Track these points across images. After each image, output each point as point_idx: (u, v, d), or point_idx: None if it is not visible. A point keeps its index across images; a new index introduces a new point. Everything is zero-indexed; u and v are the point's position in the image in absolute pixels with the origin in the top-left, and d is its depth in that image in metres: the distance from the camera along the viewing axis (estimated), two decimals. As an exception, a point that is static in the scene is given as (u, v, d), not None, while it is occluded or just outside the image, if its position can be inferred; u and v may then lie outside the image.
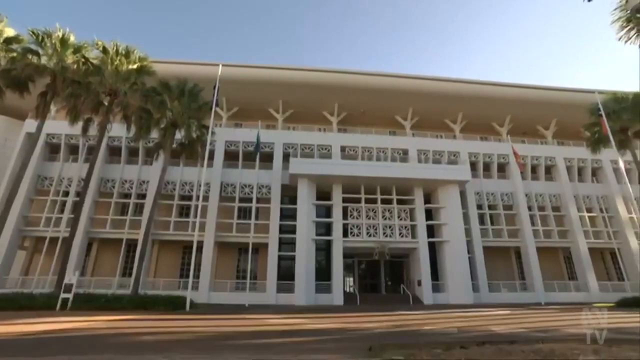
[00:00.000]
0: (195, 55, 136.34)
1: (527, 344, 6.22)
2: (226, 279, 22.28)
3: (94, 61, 17.56)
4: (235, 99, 27.19)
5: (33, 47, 16.43)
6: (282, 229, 22.74)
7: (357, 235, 22.74)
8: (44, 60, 16.53)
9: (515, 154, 24.41)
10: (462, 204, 23.95)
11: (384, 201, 23.64)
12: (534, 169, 27.63)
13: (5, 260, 20.74)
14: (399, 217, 23.43)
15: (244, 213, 23.59)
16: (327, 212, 23.60)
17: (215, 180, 23.43)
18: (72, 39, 16.87)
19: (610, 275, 26.26)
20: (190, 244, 17.20)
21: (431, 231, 23.59)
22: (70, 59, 16.83)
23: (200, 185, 20.61)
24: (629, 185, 20.75)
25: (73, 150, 24.49)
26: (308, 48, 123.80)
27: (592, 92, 24.17)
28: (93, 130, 18.60)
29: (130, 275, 20.16)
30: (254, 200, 22.44)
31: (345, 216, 23.06)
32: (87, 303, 13.91)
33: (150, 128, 19.30)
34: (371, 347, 5.92)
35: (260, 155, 22.50)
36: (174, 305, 15.00)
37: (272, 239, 22.21)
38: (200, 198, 18.65)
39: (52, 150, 24.57)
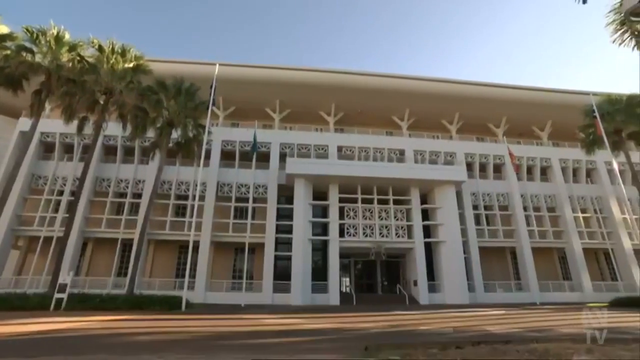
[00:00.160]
0: (192, 54, 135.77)
1: (522, 343, 6.26)
2: (222, 279, 22.21)
3: (90, 59, 17.40)
4: (232, 99, 27.11)
5: (27, 44, 16.24)
6: (278, 229, 22.71)
7: (354, 236, 22.77)
8: (38, 58, 16.35)
9: (510, 154, 24.58)
10: (458, 204, 24.06)
11: (380, 201, 23.69)
12: (529, 170, 27.82)
13: (-1, 259, 20.50)
14: (395, 217, 23.49)
15: (241, 213, 23.53)
16: (323, 212, 23.60)
17: (212, 179, 23.35)
18: (67, 36, 16.71)
19: (604, 276, 26.50)
20: (187, 244, 17.15)
21: (427, 231, 23.67)
22: (65, 57, 16.67)
23: (196, 185, 20.54)
24: (622, 186, 20.96)
25: (68, 149, 24.28)
26: (306, 47, 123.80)
27: (586, 93, 24.39)
28: (88, 129, 18.48)
29: (125, 275, 20.04)
30: (251, 200, 22.41)
31: (341, 216, 23.08)
32: (82, 303, 13.80)
33: (146, 127, 19.18)
34: (367, 347, 5.93)
35: (257, 155, 22.45)
36: (170, 305, 14.92)
37: (269, 238, 22.18)
38: (197, 197, 18.59)
39: (47, 149, 24.35)
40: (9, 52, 15.97)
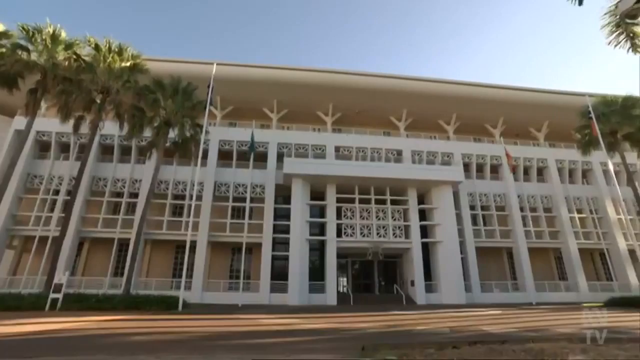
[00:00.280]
0: (189, 53, 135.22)
1: (518, 343, 6.29)
2: (219, 279, 22.16)
3: (86, 58, 17.32)
4: (229, 98, 27.05)
5: (23, 42, 16.13)
6: (275, 229, 22.69)
7: (351, 236, 22.78)
8: (34, 56, 16.23)
9: (507, 155, 24.70)
10: (455, 204, 24.14)
11: (377, 201, 23.72)
12: (526, 171, 27.97)
13: (-7, 259, 20.35)
14: (392, 217, 23.53)
15: (238, 213, 23.48)
16: (321, 212, 23.60)
17: (209, 179, 23.29)
18: (63, 35, 16.62)
19: (599, 276, 26.68)
20: (183, 244, 17.07)
21: (424, 231, 23.73)
22: (61, 55, 16.56)
23: (193, 185, 20.47)
24: (617, 187, 21.12)
25: (64, 148, 24.13)
26: (304, 47, 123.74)
27: (582, 95, 24.56)
28: (84, 129, 18.35)
29: (122, 275, 19.93)
30: (248, 200, 22.37)
31: (339, 216, 23.09)
32: (78, 303, 13.71)
33: (143, 126, 19.11)
34: (364, 347, 5.93)
35: (254, 155, 22.41)
36: (167, 305, 14.87)
37: (266, 238, 22.15)
38: (194, 197, 18.51)
39: (42, 148, 24.18)
40: (4, 50, 15.83)
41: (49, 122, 22.86)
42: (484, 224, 25.52)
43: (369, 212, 23.46)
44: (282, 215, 23.33)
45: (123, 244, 21.95)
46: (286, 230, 22.30)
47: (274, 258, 22.11)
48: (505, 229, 25.63)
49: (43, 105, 21.18)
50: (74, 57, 16.94)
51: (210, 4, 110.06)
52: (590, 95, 23.32)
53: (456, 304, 20.39)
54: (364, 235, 22.87)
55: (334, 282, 21.59)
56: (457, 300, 21.18)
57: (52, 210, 22.11)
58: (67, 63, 16.78)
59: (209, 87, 18.90)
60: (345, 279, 25.65)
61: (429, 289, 22.28)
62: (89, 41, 17.29)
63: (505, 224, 25.91)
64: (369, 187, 23.62)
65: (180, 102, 19.09)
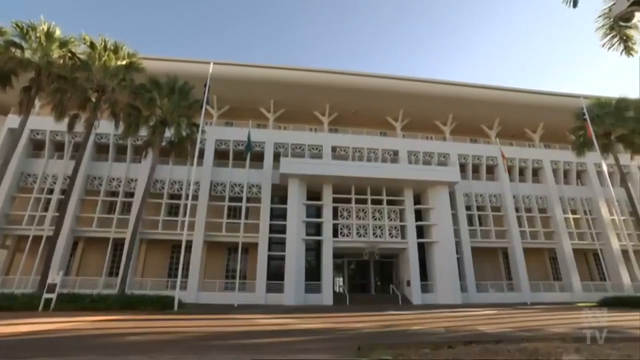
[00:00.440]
0: (186, 52, 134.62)
1: (513, 343, 6.33)
2: (215, 279, 22.07)
3: (81, 56, 17.19)
4: (226, 98, 26.95)
5: (16, 40, 15.96)
6: (272, 229, 22.64)
7: (347, 236, 22.80)
8: (28, 54, 16.08)
9: (502, 156, 24.86)
10: (451, 205, 24.22)
11: (374, 202, 23.76)
12: (521, 171, 28.14)
13: (-14, 259, 20.12)
14: (388, 217, 23.58)
15: (234, 212, 23.41)
16: (317, 212, 23.58)
17: (205, 179, 23.20)
18: (57, 32, 16.47)
19: (592, 276, 26.94)
20: (179, 244, 17.01)
21: (420, 232, 23.80)
22: (55, 53, 16.42)
23: (189, 184, 20.37)
24: (611, 188, 21.32)
25: (58, 147, 23.90)
26: (301, 47, 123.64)
27: (577, 96, 24.76)
28: (79, 127, 18.21)
29: (117, 275, 19.79)
30: (244, 200, 22.28)
31: (335, 216, 23.09)
32: (72, 303, 13.59)
33: (139, 125, 18.97)
34: (360, 347, 5.94)
35: (250, 155, 22.36)
36: (162, 305, 14.80)
37: (262, 238, 22.10)
38: (190, 197, 18.45)
39: (36, 146, 23.94)
40: (-3, 47, 15.67)
41: (43, 121, 22.62)
42: (480, 224, 25.65)
43: (365, 212, 23.49)
44: (278, 215, 23.30)
45: (118, 244, 21.81)
46: (282, 230, 22.27)
47: (270, 258, 22.05)
48: (500, 229, 25.77)
49: (37, 103, 20.96)
50: (69, 55, 16.80)
51: (207, 3, 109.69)
52: (585, 97, 23.53)
53: (452, 304, 20.47)
54: (360, 236, 22.89)
55: (330, 282, 21.60)
56: (452, 300, 21.26)
57: (46, 209, 21.89)
58: (61, 61, 16.65)
59: (205, 86, 18.82)
60: (341, 279, 25.66)
61: (425, 289, 22.35)
62: (84, 39, 17.15)
63: (500, 224, 26.06)
64: (366, 187, 23.65)
65: (176, 101, 18.99)
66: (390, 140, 27.43)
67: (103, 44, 17.39)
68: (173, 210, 23.64)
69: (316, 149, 25.46)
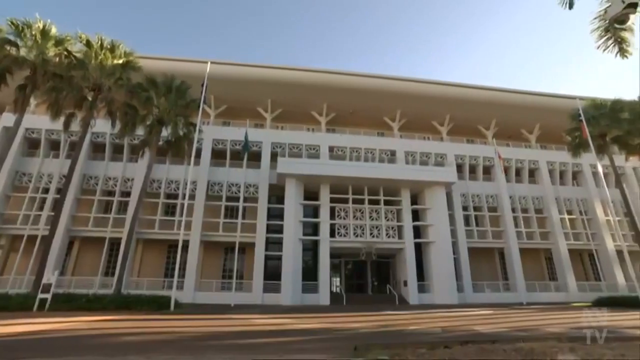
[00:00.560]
0: (183, 52, 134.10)
1: (509, 343, 6.36)
2: (212, 279, 22.01)
3: (78, 55, 17.09)
4: (223, 97, 26.90)
5: (12, 38, 15.86)
6: (269, 229, 22.62)
7: (344, 236, 22.82)
8: (23, 52, 15.97)
9: (499, 156, 24.98)
10: (448, 205, 24.32)
11: (371, 202, 23.79)
12: (518, 172, 28.30)
13: (-20, 259, 19.94)
14: (386, 217, 23.62)
15: (231, 212, 23.36)
16: (314, 212, 23.59)
17: (202, 178, 23.13)
18: (53, 30, 16.37)
19: (587, 276, 27.13)
20: (176, 243, 16.93)
21: (417, 232, 23.87)
22: (51, 51, 16.32)
23: (186, 184, 20.31)
24: (606, 188, 21.47)
25: (54, 145, 23.73)
26: (299, 46, 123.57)
27: (573, 98, 24.94)
28: (75, 126, 18.09)
29: (113, 274, 19.67)
30: (241, 200, 22.26)
31: (332, 216, 23.11)
32: (67, 303, 13.50)
33: (136, 125, 18.90)
34: (356, 346, 5.95)
35: (248, 155, 22.31)
36: (158, 305, 14.73)
37: (259, 238, 22.07)
38: (187, 196, 18.37)
39: (32, 145, 23.77)
40: (-8, 45, 15.54)
41: (38, 119, 22.49)
42: (477, 225, 25.77)
43: (362, 213, 23.52)
44: (275, 215, 23.28)
45: (114, 243, 21.70)
46: (279, 230, 22.25)
47: (267, 258, 22.03)
48: (497, 229, 25.89)
49: (32, 101, 20.85)
50: (65, 53, 16.70)
51: (205, 3, 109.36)
52: (581, 99, 23.70)
53: (448, 304, 20.55)
54: (357, 236, 22.92)
55: (327, 282, 21.61)
56: (449, 301, 21.34)
57: (41, 208, 21.74)
58: (57, 59, 16.55)
59: (202, 85, 18.76)
60: (338, 279, 25.69)
61: (422, 289, 22.42)
62: (80, 37, 17.05)
63: (497, 224, 26.18)
64: (363, 188, 23.67)
65: (173, 101, 18.93)
66: (388, 141, 27.48)
67: (99, 42, 17.30)
68: (170, 210, 23.56)
69: (313, 149, 25.46)
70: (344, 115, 29.03)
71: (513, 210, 26.43)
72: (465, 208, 25.84)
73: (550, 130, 29.56)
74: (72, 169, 16.74)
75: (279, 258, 21.58)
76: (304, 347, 7.26)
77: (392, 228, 23.51)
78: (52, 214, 17.70)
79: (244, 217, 22.02)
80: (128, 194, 22.80)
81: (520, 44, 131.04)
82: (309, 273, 22.38)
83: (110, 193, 23.35)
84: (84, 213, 22.23)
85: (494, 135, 29.57)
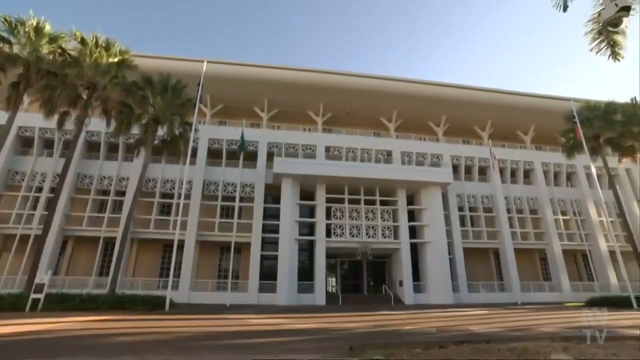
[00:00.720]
0: (179, 51, 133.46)
1: (503, 342, 6.40)
2: (207, 279, 21.92)
3: (72, 53, 16.92)
4: (219, 97, 26.80)
5: (5, 34, 15.65)
6: (265, 229, 22.58)
7: (340, 236, 22.84)
8: (16, 49, 15.78)
9: (494, 157, 25.14)
10: (443, 205, 24.41)
11: (367, 202, 23.83)
12: (513, 173, 28.48)
13: (-29, 258, 19.69)
14: (381, 217, 23.68)
15: (227, 212, 23.28)
16: (310, 212, 23.58)
17: (198, 178, 23.02)
18: (47, 28, 16.19)
19: (581, 276, 27.38)
20: (171, 243, 16.84)
21: (413, 232, 23.94)
22: (45, 49, 16.14)
23: (182, 183, 20.20)
24: (599, 190, 21.69)
25: (48, 144, 23.49)
26: (297, 46, 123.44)
27: (568, 99, 25.17)
28: (70, 125, 17.91)
29: (107, 274, 19.56)
30: (237, 199, 22.18)
31: (328, 216, 23.11)
32: (60, 304, 13.36)
33: (131, 123, 18.77)
34: (352, 346, 5.96)
35: (244, 154, 22.25)
36: (153, 305, 14.65)
37: (255, 238, 22.02)
38: (182, 196, 18.27)
39: (25, 143, 23.50)
40: (-16, 42, 15.34)
41: (31, 117, 22.24)
42: (472, 225, 25.90)
43: (358, 213, 23.55)
44: (271, 214, 23.24)
45: (109, 243, 21.54)
46: (275, 230, 22.22)
47: (262, 258, 21.98)
48: (492, 230, 26.05)
49: (26, 99, 20.62)
50: (59, 51, 16.54)
51: (201, 1, 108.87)
52: (575, 100, 23.91)
53: (444, 304, 20.63)
54: (353, 236, 22.95)
55: (323, 282, 21.61)
56: (444, 301, 21.43)
57: (34, 208, 21.50)
58: (51, 57, 16.39)
59: (198, 84, 18.68)
60: (334, 279, 25.69)
61: (417, 289, 22.50)
62: (74, 35, 16.87)
63: (492, 225, 26.34)
64: (359, 188, 23.71)
65: (169, 100, 18.81)
66: (384, 141, 27.54)
67: (94, 40, 17.14)
68: (165, 210, 23.43)
69: (310, 149, 25.45)
70: (340, 116, 29.05)
71: (508, 210, 26.61)
72: (460, 208, 25.98)
73: (545, 132, 29.79)
74: (66, 168, 16.58)
75: (275, 258, 21.54)
76: (300, 347, 7.26)
77: (388, 228, 23.57)
78: (46, 213, 17.50)
79: (239, 217, 21.95)
80: (123, 193, 22.64)
81: (518, 45, 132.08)
82: (305, 273, 22.36)
83: (105, 192, 23.17)
84: (78, 212, 22.02)
85: (490, 136, 29.76)
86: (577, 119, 21.46)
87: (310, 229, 23.41)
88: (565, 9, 8.70)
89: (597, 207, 27.35)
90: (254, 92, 26.93)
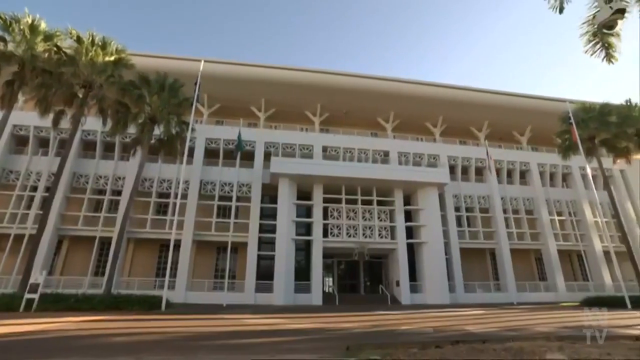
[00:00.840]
0: (176, 50, 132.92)
1: (499, 342, 6.44)
2: (204, 279, 21.83)
3: (68, 51, 16.77)
4: (216, 96, 26.72)
5: (-1, 32, 15.51)
6: (262, 229, 22.54)
7: (337, 236, 22.84)
8: (11, 47, 15.62)
9: (490, 157, 25.26)
10: (440, 206, 24.49)
11: (364, 202, 23.85)
12: (509, 173, 28.64)
13: (-35, 258, 19.47)
14: (378, 218, 23.71)
15: (224, 212, 23.21)
16: (307, 212, 23.57)
17: (195, 177, 22.95)
18: (43, 25, 16.03)
19: (576, 276, 27.59)
20: (168, 243, 16.77)
21: (410, 232, 23.99)
22: (40, 47, 15.97)
23: (179, 183, 20.11)
24: (594, 190, 21.84)
25: (43, 143, 23.31)
26: (294, 46, 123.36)
27: (563, 101, 25.31)
28: (65, 123, 17.78)
29: (103, 274, 19.39)
30: (234, 199, 22.13)
31: (325, 216, 23.11)
32: (55, 304, 13.26)
33: (128, 123, 18.64)
34: (349, 346, 5.96)
35: (241, 154, 22.17)
36: (149, 305, 14.57)
37: (252, 238, 21.97)
38: (179, 196, 18.19)
39: (19, 142, 23.32)
40: (-22, 39, 15.19)
41: (26, 116, 22.06)
42: (468, 226, 26.00)
43: (355, 213, 23.57)
44: (268, 214, 23.21)
45: (105, 243, 21.40)
46: (272, 229, 22.19)
47: (259, 258, 21.95)
48: (488, 230, 26.16)
49: (20, 98, 20.40)
50: (55, 49, 16.38)
51: (199, 1, 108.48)
52: (571, 102, 24.08)
53: (440, 304, 20.69)
54: (350, 236, 22.96)
55: (320, 282, 21.62)
56: (441, 301, 21.50)
57: (29, 207, 21.32)
58: (46, 55, 16.23)
59: (196, 84, 18.60)
60: (331, 279, 25.70)
61: (414, 289, 22.54)
62: (70, 33, 16.72)
63: (488, 225, 26.46)
64: (356, 188, 23.72)
65: (166, 99, 18.70)
66: (381, 141, 27.59)
67: (90, 38, 16.98)
68: (162, 209, 23.33)
69: (307, 148, 25.44)
70: (337, 116, 29.06)
71: (504, 211, 26.75)
72: (457, 209, 26.07)
73: (541, 133, 29.97)
74: (61, 167, 16.45)
75: (272, 258, 21.51)
76: (296, 347, 7.26)
77: (385, 228, 23.61)
78: (41, 212, 17.36)
79: (236, 217, 21.90)
80: (119, 193, 22.51)
81: (516, 45, 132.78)
82: (302, 273, 22.35)
83: (101, 192, 23.03)
84: (74, 212, 21.87)
85: (486, 136, 29.89)
86: (572, 120, 21.60)
87: (307, 229, 23.41)
88: (561, 10, 8.77)
89: (592, 208, 27.56)
90: (251, 91, 26.88)
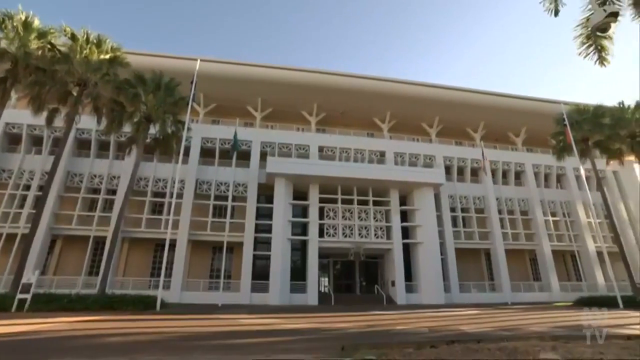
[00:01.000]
0: (172, 49, 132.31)
1: (493, 342, 6.48)
2: (199, 278, 21.74)
3: (62, 48, 16.61)
4: (213, 95, 26.62)
5: (-9, 29, 15.31)
6: (257, 228, 22.50)
7: (333, 236, 22.86)
8: (4, 44, 15.43)
9: (485, 158, 25.40)
10: (436, 206, 24.60)
11: (360, 202, 23.89)
12: (504, 174, 28.84)
13: (-44, 257, 19.20)
14: (374, 218, 23.76)
15: (219, 211, 23.12)
16: (303, 212, 23.56)
17: (190, 177, 22.84)
18: (36, 23, 15.86)
19: (570, 276, 27.86)
20: (163, 242, 16.68)
21: (406, 232, 24.06)
22: (34, 44, 15.79)
23: (174, 182, 20.00)
24: (588, 192, 22.07)
25: (36, 141, 23.07)
26: (291, 46, 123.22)
27: (558, 102, 25.56)
28: (59, 122, 17.61)
29: (97, 274, 19.24)
30: (230, 199, 22.06)
31: (321, 216, 23.12)
32: (48, 304, 13.10)
33: (123, 122, 18.53)
34: (344, 346, 5.96)
35: (237, 153, 22.11)
36: (144, 305, 14.48)
37: (248, 238, 21.92)
38: (174, 195, 18.09)
39: (12, 140, 23.05)
40: (-30, 36, 15.00)
41: (19, 114, 21.81)
42: (464, 226, 26.14)
43: (351, 213, 23.60)
44: (264, 214, 23.16)
45: (99, 242, 21.23)
46: (268, 229, 22.15)
47: (255, 257, 21.90)
48: (483, 230, 26.33)
49: (13, 95, 20.18)
50: (48, 46, 16.22)
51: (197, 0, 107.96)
52: (565, 104, 24.32)
53: (435, 304, 20.77)
54: (346, 236, 22.99)
55: (316, 282, 21.61)
56: (436, 301, 21.59)
57: (21, 206, 21.10)
58: (40, 52, 16.05)
59: (192, 83, 18.52)
60: (326, 279, 25.70)
61: (409, 289, 22.63)
62: (64, 31, 16.54)
63: (484, 225, 26.63)
64: (352, 188, 23.75)
65: (162, 98, 18.58)
66: (377, 142, 27.64)
67: (85, 36, 16.82)
68: (157, 209, 23.20)
69: (303, 148, 25.43)
70: (334, 116, 29.08)
71: (499, 211, 26.93)
72: (453, 209, 26.21)
73: (536, 134, 30.22)
74: (55, 166, 16.28)
75: (268, 258, 21.47)
76: (292, 347, 7.25)
77: (381, 228, 23.66)
78: (34, 211, 17.16)
79: (232, 217, 21.84)
80: (114, 192, 22.35)
81: (513, 46, 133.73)
82: (298, 273, 22.32)
83: (96, 191, 22.85)
84: (68, 211, 21.67)
85: (482, 137, 30.07)
86: (567, 122, 21.81)
87: (303, 228, 23.39)
88: (556, 13, 8.86)
89: (585, 209, 27.85)
90: (247, 91, 26.81)
